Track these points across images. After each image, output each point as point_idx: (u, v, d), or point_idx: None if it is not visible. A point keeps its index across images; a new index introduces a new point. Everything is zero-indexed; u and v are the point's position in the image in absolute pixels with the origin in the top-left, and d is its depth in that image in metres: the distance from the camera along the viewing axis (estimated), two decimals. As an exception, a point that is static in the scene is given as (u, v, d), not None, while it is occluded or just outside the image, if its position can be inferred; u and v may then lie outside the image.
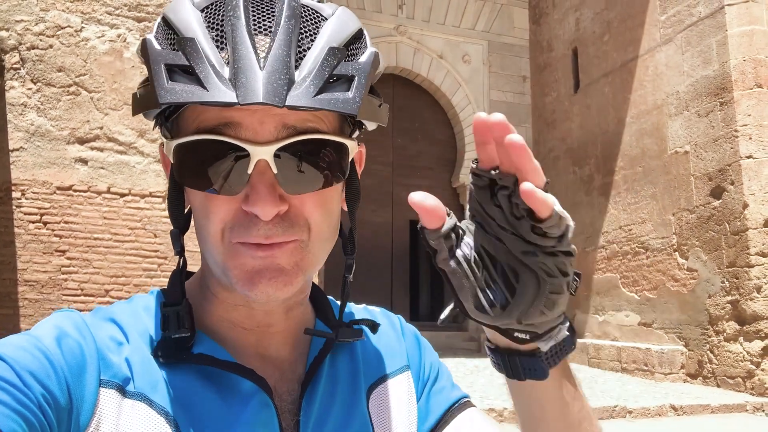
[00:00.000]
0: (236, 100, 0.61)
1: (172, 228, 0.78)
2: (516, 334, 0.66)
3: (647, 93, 11.19)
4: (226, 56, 0.65)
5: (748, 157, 9.02)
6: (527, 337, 0.66)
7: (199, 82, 0.63)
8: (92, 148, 7.30)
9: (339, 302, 0.87)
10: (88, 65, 7.41)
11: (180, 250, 0.77)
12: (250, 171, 0.67)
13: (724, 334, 9.14)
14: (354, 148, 0.76)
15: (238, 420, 0.71)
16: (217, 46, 0.66)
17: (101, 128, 7.34)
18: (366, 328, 0.87)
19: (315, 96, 0.64)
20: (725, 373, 9.09)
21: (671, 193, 10.47)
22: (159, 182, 7.51)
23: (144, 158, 7.51)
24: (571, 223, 0.61)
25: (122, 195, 7.35)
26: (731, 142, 9.22)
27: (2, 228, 6.86)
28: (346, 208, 0.82)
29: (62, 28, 7.36)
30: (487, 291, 0.63)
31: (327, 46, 0.68)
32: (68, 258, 7.02)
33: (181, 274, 0.77)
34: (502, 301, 0.63)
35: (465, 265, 0.63)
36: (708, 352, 9.45)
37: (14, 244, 6.85)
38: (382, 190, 14.15)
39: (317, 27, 0.70)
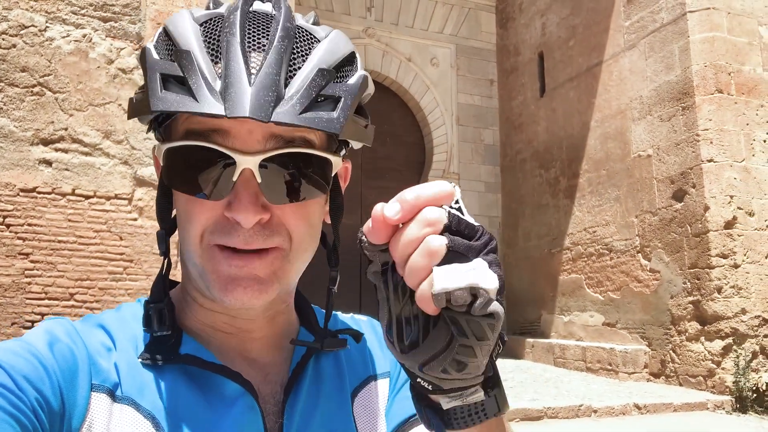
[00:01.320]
0: (224, 113, 0.63)
1: (159, 229, 0.79)
2: (419, 379, 0.59)
3: (611, 97, 11.38)
4: (220, 70, 0.67)
5: (710, 160, 9.23)
6: (429, 387, 0.59)
7: (191, 93, 0.65)
8: (57, 150, 7.17)
9: (324, 310, 0.89)
10: (52, 65, 7.28)
11: (165, 251, 0.79)
12: (235, 179, 0.69)
13: (686, 334, 9.33)
14: (338, 164, 0.78)
15: (223, 422, 0.72)
16: (212, 60, 0.68)
17: (66, 129, 7.22)
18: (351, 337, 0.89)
19: (300, 114, 0.66)
20: (687, 372, 9.28)
21: (634, 196, 10.66)
22: (125, 184, 7.41)
23: (110, 160, 7.41)
24: (489, 286, 0.52)
25: (87, 197, 7.23)
26: (693, 146, 9.43)
27: (-37, 231, 6.70)
28: (329, 221, 0.85)
29: (26, 27, 7.23)
30: (404, 324, 0.57)
31: (317, 67, 0.70)
32: (32, 261, 6.89)
33: (165, 274, 0.79)
34: (414, 340, 0.57)
35: (391, 288, 0.58)
36: (670, 351, 9.64)
37: (-25, 247, 6.70)
38: (351, 192, 14.04)
39: (309, 48, 0.73)
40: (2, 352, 0.64)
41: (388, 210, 0.53)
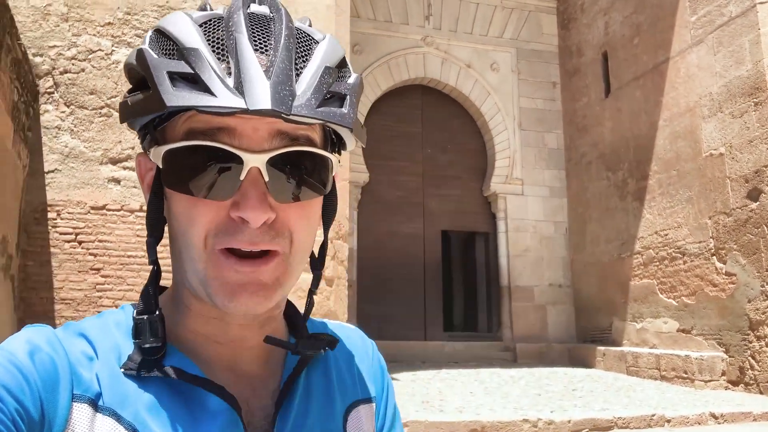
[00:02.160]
0: (245, 106, 0.64)
1: (147, 238, 0.79)
2: None
3: (679, 95, 11.00)
4: (227, 68, 0.67)
5: (785, 157, 8.80)
6: None
7: (207, 89, 0.65)
8: (124, 168, 7.45)
9: (315, 318, 0.88)
10: (119, 87, 7.58)
11: (155, 259, 0.78)
12: (242, 178, 0.69)
13: (766, 340, 8.89)
14: (336, 165, 0.78)
15: None
16: (219, 58, 0.68)
17: (133, 148, 7.49)
18: (340, 346, 0.88)
19: (316, 108, 0.67)
20: (768, 379, 8.84)
21: (707, 196, 10.26)
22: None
23: (175, 176, 7.65)
24: None
25: (154, 213, 7.48)
26: (767, 142, 9.00)
27: (39, 248, 7.03)
28: (321, 225, 0.84)
29: (93, 51, 7.55)
30: None
31: (323, 65, 0.71)
32: (103, 276, 7.16)
33: (155, 283, 0.78)
34: None
35: None
36: (749, 358, 9.20)
37: (50, 263, 7.01)
38: (413, 201, 14.13)
39: (310, 48, 0.73)
40: None
41: None
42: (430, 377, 10.33)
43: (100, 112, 7.48)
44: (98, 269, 7.16)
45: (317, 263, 0.85)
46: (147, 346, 0.73)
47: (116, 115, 7.53)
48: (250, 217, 0.68)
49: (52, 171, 7.22)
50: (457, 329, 15.35)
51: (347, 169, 8.33)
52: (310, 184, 0.73)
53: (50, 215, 7.12)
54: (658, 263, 11.50)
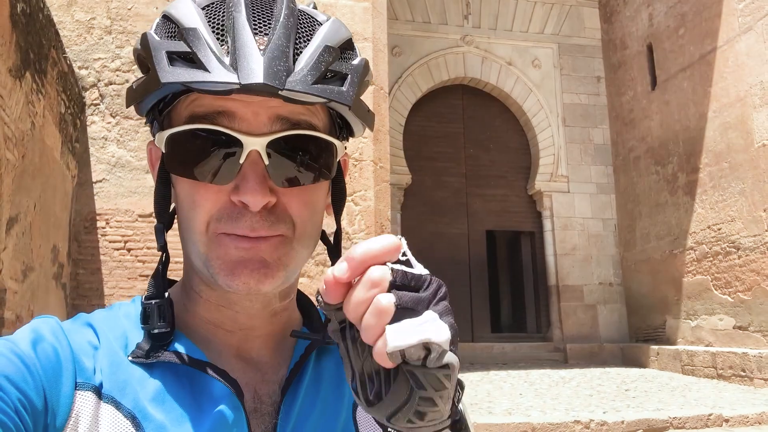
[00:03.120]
0: (237, 80, 0.64)
1: (156, 223, 0.79)
2: (389, 429, 0.60)
3: (729, 85, 10.69)
4: (227, 48, 0.68)
5: (844, 145, 8.46)
6: None
7: (202, 66, 0.66)
8: (181, 176, 7.60)
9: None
10: (161, 97, 7.73)
11: (163, 245, 0.79)
12: (242, 161, 0.69)
13: (829, 336, 8.55)
14: (341, 150, 0.78)
15: (206, 421, 0.71)
16: (218, 39, 0.69)
17: (177, 157, 7.64)
18: None
19: (312, 84, 0.67)
20: (832, 377, 8.50)
21: (761, 188, 9.93)
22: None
23: (218, 183, 7.76)
24: (440, 338, 0.54)
25: (199, 219, 7.60)
26: (824, 130, 8.68)
27: (89, 256, 7.21)
28: (331, 212, 0.84)
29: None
30: (366, 377, 0.59)
31: (323, 44, 0.71)
32: (151, 283, 7.31)
33: (163, 269, 0.79)
34: (378, 394, 0.58)
35: (350, 344, 0.59)
36: (812, 355, 8.86)
37: (101, 271, 7.19)
38: (457, 201, 14.05)
39: (313, 30, 0.74)
40: None
41: (337, 270, 0.54)
42: (478, 379, 10.24)
43: (144, 122, 7.64)
44: (147, 276, 7.30)
45: (334, 252, 0.84)
46: (156, 331, 0.74)
47: (160, 125, 7.68)
48: (249, 201, 0.68)
49: (100, 181, 7.40)
50: (505, 330, 15.19)
51: (387, 171, 8.32)
52: (311, 168, 0.73)
53: (99, 224, 7.30)
54: (711, 258, 11.19)
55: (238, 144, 0.69)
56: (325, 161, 0.74)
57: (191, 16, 0.70)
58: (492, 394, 8.88)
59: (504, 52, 14.60)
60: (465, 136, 14.41)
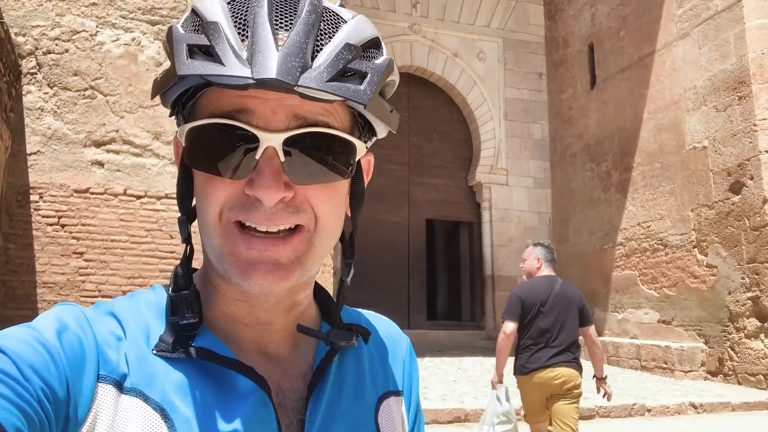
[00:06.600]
0: (250, 75, 0.64)
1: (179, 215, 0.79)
2: None
3: (664, 88, 11.08)
4: (247, 44, 0.68)
5: (767, 151, 8.90)
6: None
7: (218, 60, 0.65)
8: (108, 151, 7.36)
9: (351, 307, 0.89)
10: (103, 69, 7.47)
11: (187, 236, 0.79)
12: (258, 157, 0.69)
13: (745, 331, 9.02)
14: (362, 150, 0.77)
15: (235, 417, 0.71)
16: (239, 34, 0.69)
17: (117, 131, 7.41)
18: (375, 336, 0.89)
19: (327, 82, 0.66)
20: (746, 370, 8.97)
21: (690, 189, 10.35)
22: (175, 184, 7.56)
23: (159, 160, 7.56)
24: None
25: (138, 197, 7.40)
26: (750, 136, 9.09)
27: (21, 231, 6.94)
28: (349, 213, 0.83)
29: (77, 32, 7.43)
30: None
31: (344, 41, 0.70)
32: (86, 260, 7.09)
33: (188, 262, 0.78)
34: None
35: None
36: (728, 349, 9.33)
37: (32, 246, 6.93)
38: (398, 189, 14.13)
39: (336, 27, 0.73)
40: (9, 339, 0.64)
41: None
42: (413, 365, 10.35)
43: (84, 94, 7.37)
44: (81, 253, 7.09)
45: (348, 252, 0.85)
46: (184, 322, 0.73)
47: (100, 97, 7.43)
48: (262, 196, 0.68)
49: (35, 153, 7.12)
50: (441, 318, 15.41)
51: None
52: (329, 165, 0.72)
53: (32, 198, 7.03)
54: (640, 255, 11.61)
55: (255, 140, 0.69)
56: (344, 160, 0.74)
57: (214, 10, 0.70)
58: (427, 380, 9.01)
59: (451, 44, 14.71)
60: (409, 125, 14.48)
